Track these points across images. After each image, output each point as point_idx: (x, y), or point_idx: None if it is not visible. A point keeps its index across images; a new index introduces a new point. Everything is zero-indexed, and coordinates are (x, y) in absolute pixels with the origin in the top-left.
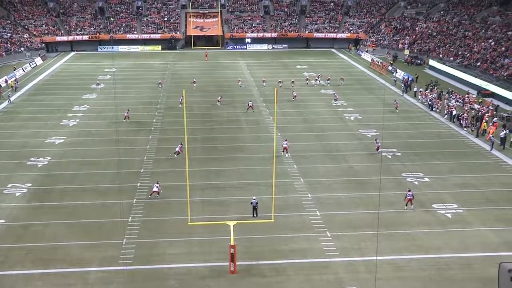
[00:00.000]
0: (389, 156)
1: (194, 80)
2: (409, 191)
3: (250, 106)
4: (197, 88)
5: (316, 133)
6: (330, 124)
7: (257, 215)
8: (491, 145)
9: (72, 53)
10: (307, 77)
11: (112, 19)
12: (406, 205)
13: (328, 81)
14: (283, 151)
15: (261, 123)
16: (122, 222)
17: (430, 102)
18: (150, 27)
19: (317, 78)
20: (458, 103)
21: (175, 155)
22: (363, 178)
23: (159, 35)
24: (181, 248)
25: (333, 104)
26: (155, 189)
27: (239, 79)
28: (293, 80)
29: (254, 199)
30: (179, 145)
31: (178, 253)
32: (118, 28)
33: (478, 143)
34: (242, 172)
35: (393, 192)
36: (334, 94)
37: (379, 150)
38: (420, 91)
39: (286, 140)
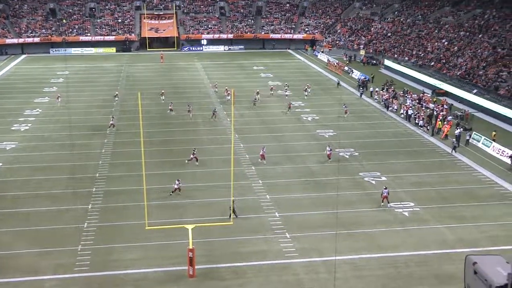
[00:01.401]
0: (347, 156)
1: (163, 91)
2: (385, 188)
3: (215, 113)
4: (154, 90)
5: (274, 135)
6: (287, 125)
7: (236, 216)
8: (453, 148)
9: (23, 56)
10: (272, 87)
11: (64, 20)
12: (383, 202)
13: (307, 91)
14: (260, 159)
15: (219, 125)
16: (78, 228)
17: (386, 102)
18: (104, 29)
19: (286, 88)
20: (413, 102)
21: (189, 161)
22: (321, 179)
23: (113, 37)
24: (139, 253)
25: (292, 104)
26: (176, 186)
27: (216, 83)
28: (257, 91)
29: (234, 201)
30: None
31: (136, 258)
32: (71, 30)
33: (434, 141)
34: (200, 174)
35: (351, 191)
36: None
37: (331, 158)
38: (376, 90)
39: (263, 148)
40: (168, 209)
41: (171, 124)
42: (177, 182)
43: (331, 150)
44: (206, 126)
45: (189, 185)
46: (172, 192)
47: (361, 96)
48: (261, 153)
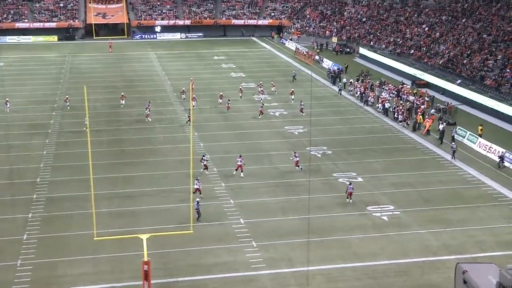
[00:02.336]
0: (319, 155)
1: (123, 94)
2: (350, 184)
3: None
4: (102, 84)
5: (237, 132)
6: (252, 121)
7: (199, 216)
8: (452, 154)
9: None
10: (241, 88)
11: None
12: (347, 198)
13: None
14: (236, 170)
15: (176, 121)
16: (16, 240)
17: (362, 95)
18: (43, 15)
19: (261, 90)
20: (391, 95)
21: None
22: (290, 180)
23: (55, 23)
24: (87, 267)
25: (256, 98)
26: (196, 186)
27: (191, 78)
28: (221, 94)
29: (198, 201)
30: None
31: (83, 273)
32: (5, 15)
33: (415, 138)
34: (155, 178)
35: (324, 194)
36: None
37: (299, 166)
38: (351, 82)
39: (240, 157)
40: (120, 216)
41: (121, 121)
42: (196, 182)
43: (297, 156)
44: (161, 123)
45: (144, 190)
46: (194, 193)
47: (340, 92)
48: (239, 163)
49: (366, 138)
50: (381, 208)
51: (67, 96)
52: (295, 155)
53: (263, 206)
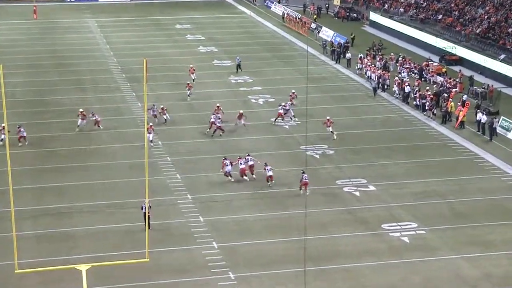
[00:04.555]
0: (317, 156)
1: (94, 114)
2: (303, 173)
3: (214, 123)
4: (24, 62)
5: (207, 126)
6: (228, 111)
7: (149, 225)
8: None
9: None
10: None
11: None
12: (301, 189)
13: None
14: (243, 176)
15: (125, 112)
16: None
17: (373, 75)
18: None
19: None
20: (413, 75)
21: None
22: (279, 190)
23: None
24: None
25: (232, 81)
26: (269, 173)
27: (192, 66)
28: (189, 84)
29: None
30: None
31: None
32: None
33: (444, 132)
34: (96, 188)
35: (324, 208)
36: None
37: (271, 181)
38: (360, 58)
39: (249, 156)
40: (50, 241)
41: (50, 112)
42: (268, 168)
43: (269, 170)
44: (105, 115)
45: (83, 205)
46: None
47: (370, 79)
48: (241, 166)
49: (379, 133)
50: (400, 226)
51: None
52: (268, 168)
53: (243, 225)
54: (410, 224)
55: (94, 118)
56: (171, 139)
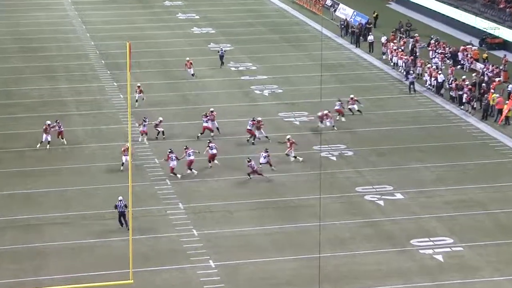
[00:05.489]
0: (334, 158)
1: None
2: (250, 161)
3: (251, 132)
4: None
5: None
6: (227, 104)
7: (126, 226)
8: None
9: None
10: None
11: None
12: (249, 175)
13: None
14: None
15: (105, 106)
16: None
17: (399, 61)
18: None
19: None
20: (447, 61)
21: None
22: (289, 199)
23: None
24: None
25: (232, 69)
26: (262, 159)
27: (189, 60)
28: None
29: (121, 200)
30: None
31: None
32: None
33: (485, 129)
34: (71, 195)
35: (342, 220)
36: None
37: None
38: (384, 41)
39: (266, 152)
40: (17, 259)
41: (16, 105)
42: (264, 154)
43: (214, 148)
44: (80, 109)
45: (54, 215)
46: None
47: (396, 66)
48: (264, 159)
49: (408, 131)
50: (433, 241)
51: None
52: (210, 147)
53: (245, 240)
54: (445, 240)
55: (56, 127)
56: (160, 138)
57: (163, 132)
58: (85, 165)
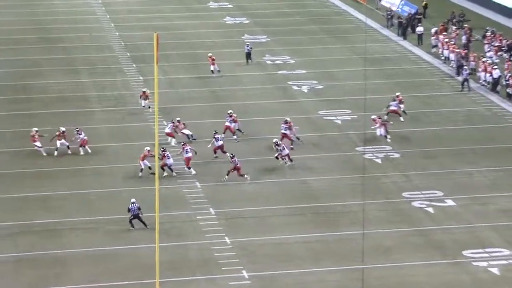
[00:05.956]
0: (378, 160)
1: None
2: (233, 157)
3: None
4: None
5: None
6: (261, 101)
7: (145, 225)
8: None
9: None
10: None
11: None
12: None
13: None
14: (282, 159)
15: (130, 102)
16: None
17: (451, 55)
18: None
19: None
20: (503, 55)
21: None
22: (329, 204)
23: None
24: None
25: (268, 62)
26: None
27: (211, 56)
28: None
29: (134, 203)
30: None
31: None
32: None
33: None
34: (93, 198)
35: (387, 228)
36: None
37: (286, 159)
38: (434, 33)
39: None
40: (35, 266)
41: (34, 101)
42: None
43: (284, 149)
44: (103, 104)
45: (75, 220)
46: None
47: (448, 60)
48: (283, 151)
49: (459, 132)
50: (487, 253)
51: None
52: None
53: (282, 249)
54: (501, 251)
55: (79, 137)
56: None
57: (190, 136)
58: (107, 166)
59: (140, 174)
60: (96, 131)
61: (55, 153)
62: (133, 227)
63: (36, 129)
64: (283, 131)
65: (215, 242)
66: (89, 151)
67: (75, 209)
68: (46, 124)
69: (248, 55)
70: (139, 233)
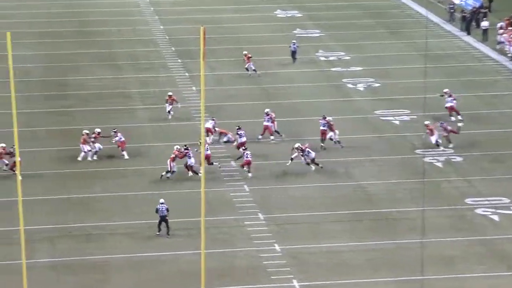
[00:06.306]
0: (439, 164)
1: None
2: (246, 149)
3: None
4: (35, 27)
5: (287, 119)
6: (315, 99)
7: (167, 232)
8: None
9: None
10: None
11: None
12: (244, 168)
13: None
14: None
15: (175, 98)
16: None
17: None
18: None
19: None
20: None
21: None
22: (387, 210)
23: None
24: None
25: (321, 58)
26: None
27: (246, 53)
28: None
29: (162, 203)
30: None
31: None
32: None
33: None
34: (136, 201)
35: (449, 237)
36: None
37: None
38: (500, 28)
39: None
40: (74, 272)
41: (72, 97)
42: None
43: (310, 153)
44: (145, 102)
45: (118, 224)
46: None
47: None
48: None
49: None
50: None
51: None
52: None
53: (336, 258)
54: None
55: (115, 139)
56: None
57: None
58: (150, 166)
59: (167, 175)
60: (138, 131)
61: (90, 157)
62: (160, 232)
63: (87, 131)
64: (322, 128)
65: (263, 249)
66: (126, 157)
67: (115, 213)
68: (85, 123)
69: (294, 54)
70: (183, 238)
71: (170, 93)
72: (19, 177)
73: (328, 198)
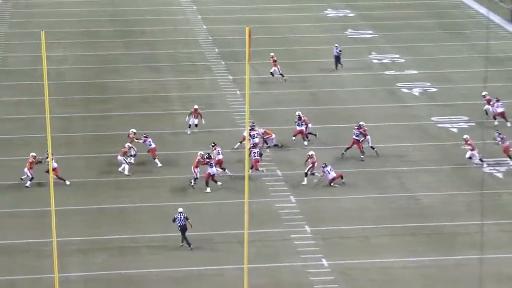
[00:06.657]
0: (499, 175)
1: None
2: (255, 146)
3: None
4: (73, 26)
5: (337, 126)
6: (367, 105)
7: (188, 245)
8: None
9: None
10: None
11: None
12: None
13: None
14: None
15: (217, 103)
16: None
17: None
18: None
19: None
20: None
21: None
22: (442, 224)
23: None
24: None
25: (374, 61)
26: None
27: (273, 56)
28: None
29: (181, 212)
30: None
31: None
32: None
33: None
34: (170, 212)
35: (508, 253)
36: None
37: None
38: None
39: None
40: (108, 287)
41: (111, 101)
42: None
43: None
44: (187, 107)
45: (154, 236)
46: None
47: None
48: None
49: None
50: None
51: None
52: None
53: (387, 274)
54: None
55: (146, 144)
56: (287, 145)
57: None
58: (190, 175)
59: (192, 183)
60: (178, 136)
61: (126, 171)
62: (183, 243)
63: (130, 145)
64: (355, 137)
65: (311, 264)
66: (159, 164)
67: (151, 224)
68: (124, 128)
69: (337, 59)
70: (225, 253)
71: (196, 107)
72: (52, 185)
73: (379, 210)
